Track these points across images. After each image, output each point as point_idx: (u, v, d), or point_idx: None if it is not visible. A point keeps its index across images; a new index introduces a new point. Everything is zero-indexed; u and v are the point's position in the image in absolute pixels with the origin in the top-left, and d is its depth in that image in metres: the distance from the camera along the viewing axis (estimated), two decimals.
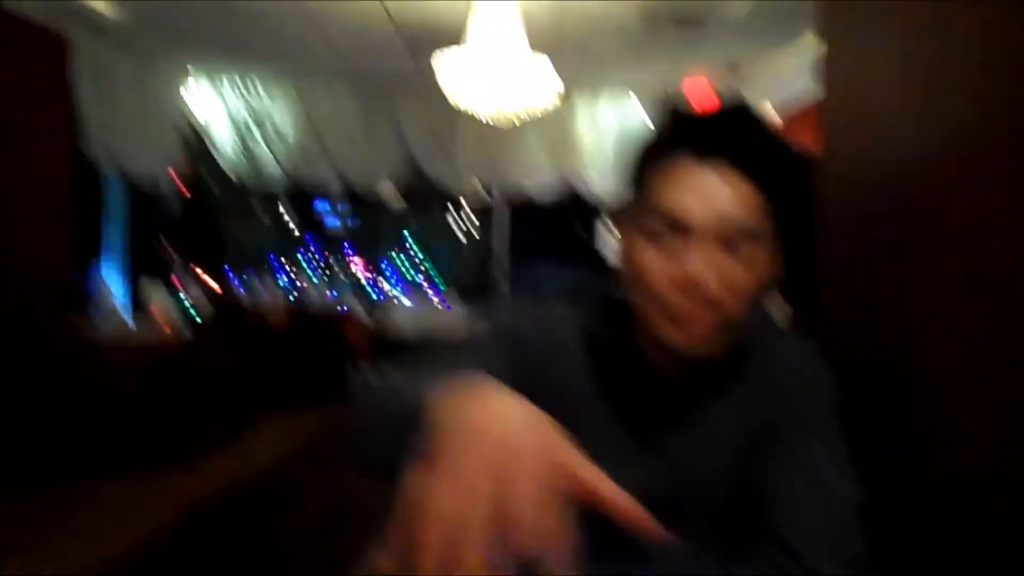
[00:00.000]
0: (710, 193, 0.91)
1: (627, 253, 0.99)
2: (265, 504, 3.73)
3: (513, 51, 4.24)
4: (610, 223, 1.08)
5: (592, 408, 1.05)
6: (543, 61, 4.32)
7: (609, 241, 5.14)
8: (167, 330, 4.35)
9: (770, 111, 7.36)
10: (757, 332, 1.04)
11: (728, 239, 0.91)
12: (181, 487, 3.80)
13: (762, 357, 1.04)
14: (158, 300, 4.70)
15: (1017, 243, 0.91)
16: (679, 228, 0.92)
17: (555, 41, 5.64)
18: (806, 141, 4.91)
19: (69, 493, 3.67)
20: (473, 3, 4.41)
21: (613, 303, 1.05)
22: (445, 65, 4.30)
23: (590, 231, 8.91)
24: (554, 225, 9.77)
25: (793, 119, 6.99)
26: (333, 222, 8.43)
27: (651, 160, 0.98)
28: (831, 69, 1.43)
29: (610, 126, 7.66)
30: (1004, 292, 0.92)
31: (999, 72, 0.94)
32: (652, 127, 1.03)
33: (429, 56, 6.38)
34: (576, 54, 4.56)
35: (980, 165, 0.99)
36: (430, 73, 6.95)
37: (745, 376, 1.03)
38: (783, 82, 6.78)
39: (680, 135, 0.96)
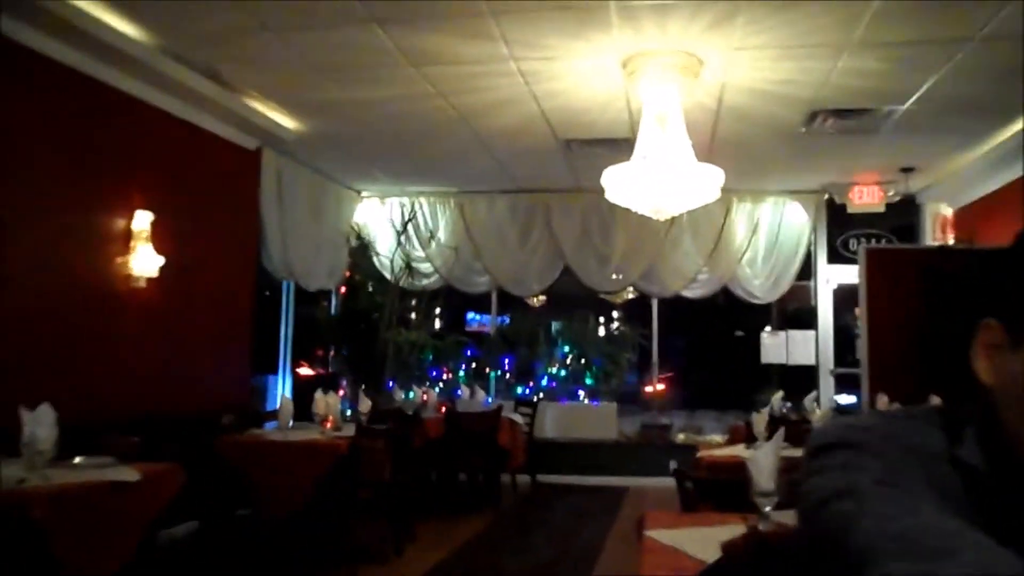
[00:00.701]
0: None
1: None
2: None
3: (680, 161, 4.24)
4: (982, 332, 0.84)
5: None
6: (711, 170, 4.29)
7: (768, 342, 4.96)
8: (337, 438, 4.47)
9: (946, 211, 6.99)
10: None
11: None
12: None
13: None
14: (325, 409, 4.86)
15: None
16: None
17: (716, 146, 5.65)
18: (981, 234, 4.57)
19: None
20: (641, 117, 4.46)
21: (985, 433, 0.83)
22: (613, 177, 4.35)
23: (746, 331, 8.70)
24: (708, 325, 9.61)
25: (968, 213, 6.64)
26: (486, 328, 8.61)
27: None
28: None
29: (768, 228, 7.52)
30: None
31: None
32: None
33: (586, 166, 6.64)
34: (736, 159, 4.55)
35: None
36: (585, 182, 7.27)
37: None
38: (961, 182, 6.48)
39: None
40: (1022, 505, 0.77)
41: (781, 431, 2.25)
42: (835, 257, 7.56)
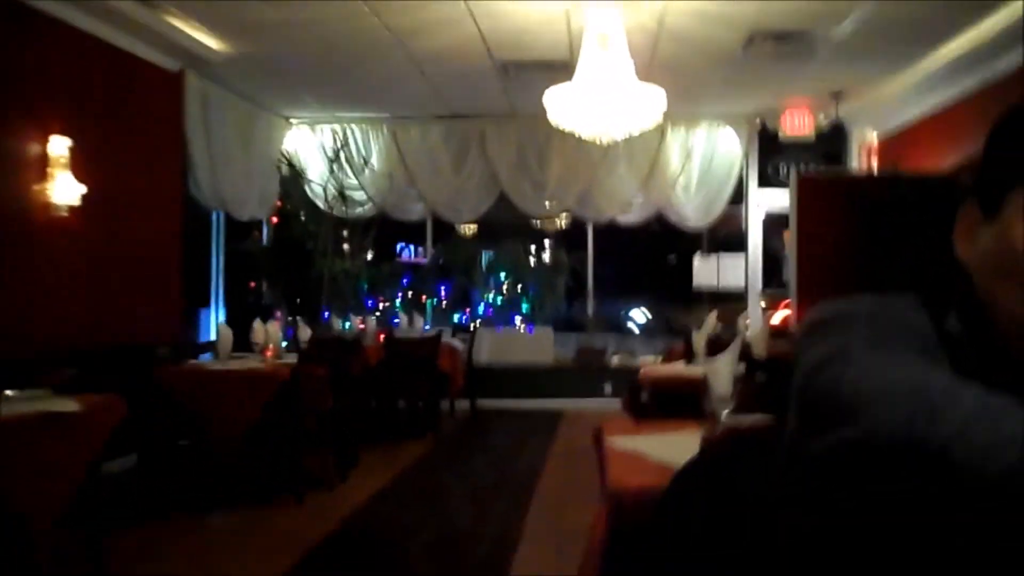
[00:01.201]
0: None
1: (1009, 248, 0.80)
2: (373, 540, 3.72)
3: (623, 82, 4.22)
4: (962, 215, 0.91)
5: None
6: (653, 91, 4.28)
7: (699, 266, 5.08)
8: (280, 366, 4.41)
9: (872, 137, 7.20)
10: None
11: None
12: (291, 525, 3.83)
13: None
14: (264, 338, 4.78)
15: None
16: None
17: (653, 70, 5.63)
18: (904, 161, 4.73)
19: (183, 528, 3.74)
20: (584, 36, 4.40)
21: (966, 309, 0.88)
22: (555, 98, 4.30)
23: (678, 256, 8.88)
24: (642, 251, 9.75)
25: (893, 140, 6.86)
26: (417, 259, 8.54)
27: None
28: None
29: (701, 154, 7.61)
30: None
31: None
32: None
33: (522, 90, 6.55)
34: (673, 83, 4.56)
35: None
36: (521, 107, 7.18)
37: None
38: (888, 109, 6.65)
39: None
40: (1003, 376, 0.78)
41: (738, 340, 2.32)
42: (765, 182, 7.72)
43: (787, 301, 6.43)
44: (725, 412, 2.07)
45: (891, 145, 6.92)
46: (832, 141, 7.47)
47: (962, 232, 0.88)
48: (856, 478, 0.70)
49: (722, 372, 2.05)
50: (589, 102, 4.29)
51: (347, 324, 6.91)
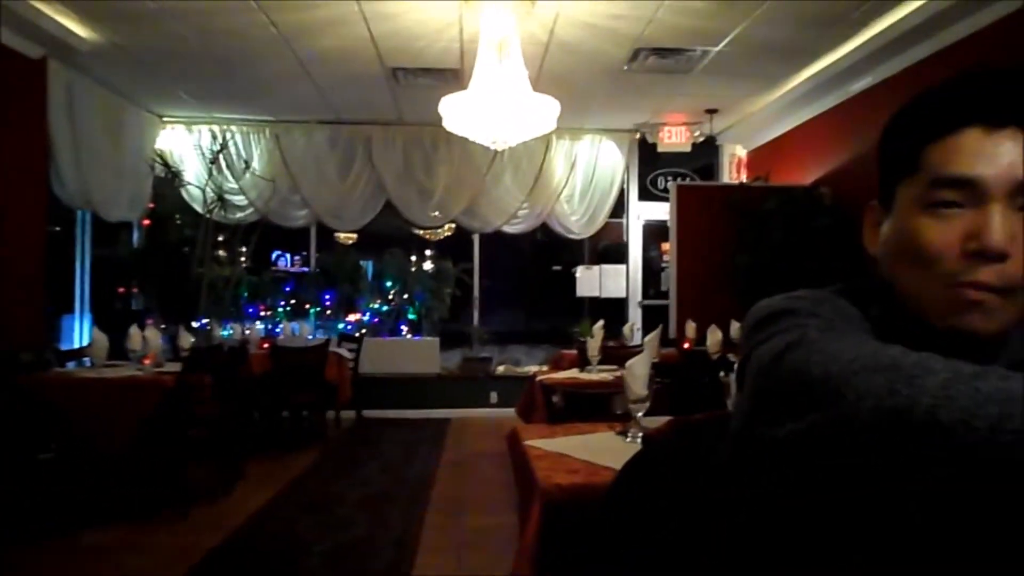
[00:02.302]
0: (1005, 155, 0.85)
1: (904, 235, 0.91)
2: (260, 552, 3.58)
3: (517, 91, 4.29)
4: (866, 214, 1.00)
5: None
6: (547, 100, 4.37)
7: (582, 276, 5.23)
8: (160, 374, 4.17)
9: (740, 151, 7.66)
10: None
11: (1021, 200, 0.85)
12: (175, 542, 3.63)
13: None
14: (143, 345, 4.51)
15: None
16: (971, 190, 0.86)
17: (542, 80, 5.74)
18: (772, 173, 5.03)
19: (52, 549, 3.47)
20: (473, 46, 4.44)
21: (882, 295, 0.96)
22: (450, 106, 4.31)
23: (563, 266, 9.04)
24: (527, 261, 9.88)
25: (761, 153, 7.31)
26: (298, 263, 8.31)
27: (930, 135, 0.90)
28: None
29: (585, 165, 7.81)
30: None
31: None
32: (925, 99, 0.95)
33: (410, 97, 6.52)
34: (560, 94, 4.68)
35: None
36: (409, 115, 7.14)
37: None
38: (757, 125, 7.10)
39: (968, 107, 0.89)
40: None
41: (654, 338, 2.40)
42: (644, 194, 8.02)
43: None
44: (640, 413, 2.14)
45: (759, 158, 7.38)
46: (705, 155, 7.87)
47: (868, 229, 0.99)
48: (837, 455, 0.75)
49: (638, 375, 2.11)
50: (484, 110, 4.32)
51: (227, 332, 6.62)
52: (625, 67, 5.65)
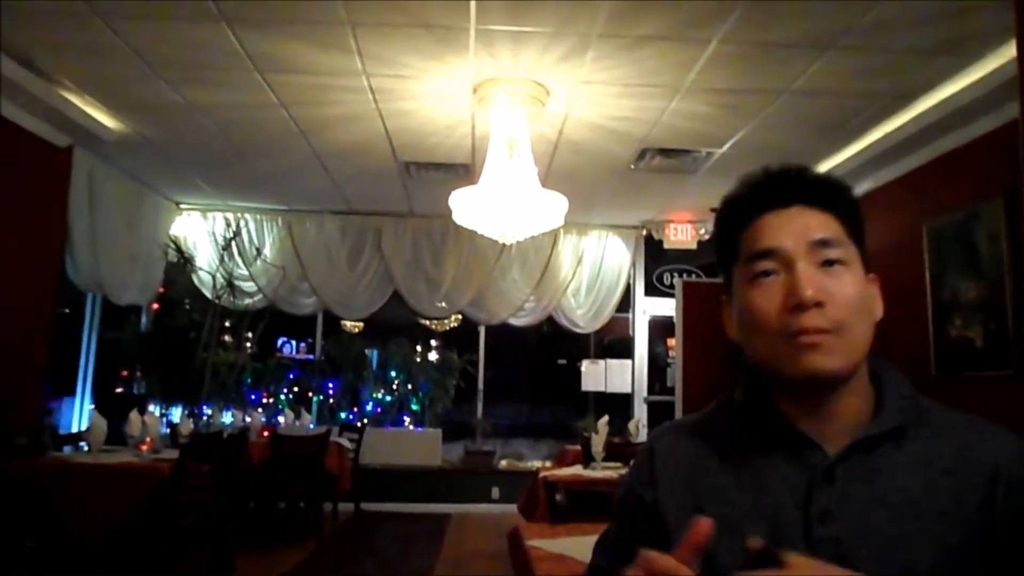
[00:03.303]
0: (797, 223, 1.03)
1: (742, 309, 1.04)
2: None
3: (526, 187, 4.38)
4: (721, 308, 1.14)
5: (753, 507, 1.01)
6: (555, 197, 4.46)
7: (587, 370, 5.22)
8: (157, 460, 4.11)
9: None
10: (909, 396, 1.05)
11: (822, 255, 1.00)
12: None
13: (932, 417, 1.04)
14: (141, 431, 4.47)
15: None
16: (778, 259, 1.01)
17: (551, 177, 5.88)
18: None
19: None
20: (485, 143, 4.56)
21: (747, 389, 1.09)
22: (460, 200, 4.41)
23: (568, 360, 9.01)
24: (533, 353, 9.85)
25: None
26: (304, 350, 8.32)
27: (741, 226, 1.06)
28: None
29: (591, 260, 7.90)
30: None
31: None
32: (731, 200, 1.11)
33: (421, 190, 6.67)
34: (569, 190, 4.78)
35: None
36: (419, 207, 7.29)
37: (918, 433, 1.01)
38: None
39: (760, 199, 1.06)
40: (777, 432, 1.02)
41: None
42: (651, 290, 8.06)
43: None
44: None
45: None
46: (711, 251, 7.91)
47: (724, 316, 1.13)
48: None
49: None
50: (494, 205, 4.41)
51: (229, 419, 6.57)
52: (632, 166, 5.79)
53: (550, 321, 7.99)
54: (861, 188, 5.55)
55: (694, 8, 3.47)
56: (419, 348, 8.50)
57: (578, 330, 7.93)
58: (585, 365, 8.26)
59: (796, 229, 1.02)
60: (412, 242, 7.68)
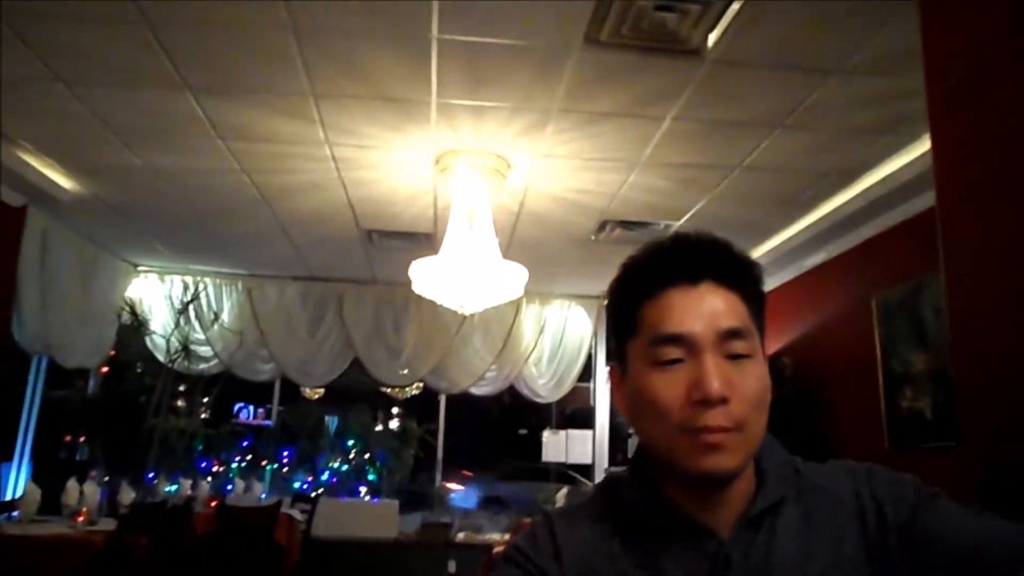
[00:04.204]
0: (705, 307, 0.97)
1: (639, 393, 0.99)
2: None
3: (487, 258, 4.40)
4: (610, 377, 1.10)
5: None
6: (515, 268, 4.49)
7: (548, 441, 5.19)
8: (91, 532, 3.94)
9: None
10: (781, 460, 1.06)
11: (730, 347, 0.96)
12: None
13: (804, 478, 1.05)
14: (78, 500, 4.30)
15: None
16: (685, 345, 0.96)
17: (513, 247, 5.92)
18: None
19: None
20: (447, 213, 4.59)
21: (635, 476, 1.05)
22: (420, 270, 4.42)
23: (529, 430, 8.93)
24: (493, 423, 9.76)
25: None
26: (262, 416, 8.15)
27: (643, 297, 1.01)
28: None
29: (553, 330, 7.91)
30: None
31: None
32: (633, 268, 1.06)
33: (384, 258, 6.66)
34: (530, 260, 4.82)
35: None
36: (381, 274, 7.27)
37: (801, 499, 1.03)
38: None
39: (667, 269, 1.01)
40: (665, 522, 1.00)
41: None
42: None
43: None
44: None
45: None
46: None
47: (615, 393, 1.08)
48: None
49: None
50: (454, 276, 4.43)
51: (174, 488, 6.36)
52: (592, 237, 5.86)
53: (511, 390, 7.93)
54: (814, 260, 5.69)
55: (648, 87, 3.58)
56: (379, 416, 8.37)
57: (539, 400, 7.88)
58: (546, 435, 8.18)
59: (706, 313, 0.97)
60: (374, 309, 7.63)
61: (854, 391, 5.03)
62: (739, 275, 1.03)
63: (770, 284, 6.31)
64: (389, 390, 8.24)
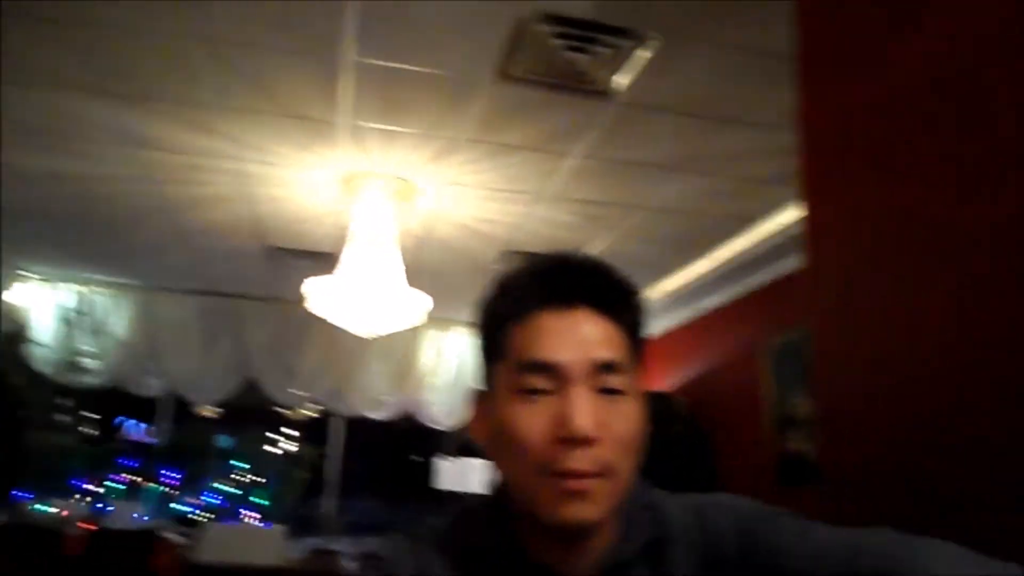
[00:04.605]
0: (579, 335, 0.88)
1: (500, 423, 0.89)
2: None
3: (390, 282, 4.39)
4: (471, 401, 1.00)
5: None
6: (419, 295, 4.50)
7: (443, 468, 5.20)
8: None
9: None
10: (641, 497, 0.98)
11: (603, 381, 0.87)
12: None
13: (670, 519, 0.97)
14: None
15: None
16: (553, 374, 0.86)
17: (417, 272, 5.91)
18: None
19: None
20: (354, 234, 4.57)
21: (491, 512, 0.97)
22: (317, 288, 4.37)
23: (425, 456, 8.84)
24: (389, 449, 9.62)
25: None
26: (149, 436, 7.80)
27: (513, 318, 0.92)
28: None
29: (453, 357, 7.90)
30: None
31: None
32: (504, 285, 0.98)
33: (286, 276, 6.52)
34: (433, 287, 4.84)
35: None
36: (282, 292, 7.10)
37: (663, 543, 0.95)
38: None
39: (541, 290, 0.93)
40: (514, 568, 0.91)
41: None
42: None
43: None
44: None
45: None
46: None
47: (474, 421, 0.99)
48: None
49: None
50: (354, 297, 4.39)
51: (46, 508, 6.00)
52: (495, 266, 5.92)
53: (409, 416, 7.86)
54: (710, 303, 5.91)
55: (557, 124, 3.70)
56: (275, 437, 8.15)
57: (438, 426, 7.85)
58: (441, 463, 8.13)
59: (579, 341, 0.88)
60: (273, 328, 7.45)
61: (746, 432, 5.23)
62: (620, 303, 0.94)
63: (669, 324, 6.57)
64: (284, 411, 8.04)
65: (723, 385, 5.69)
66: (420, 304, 4.55)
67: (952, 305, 1.22)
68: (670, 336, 6.68)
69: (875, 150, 1.49)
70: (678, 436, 5.64)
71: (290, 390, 7.48)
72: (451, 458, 8.20)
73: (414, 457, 9.28)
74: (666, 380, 6.56)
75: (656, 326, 6.85)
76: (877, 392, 1.39)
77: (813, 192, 1.71)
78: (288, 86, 3.48)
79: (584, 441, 0.84)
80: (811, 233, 1.68)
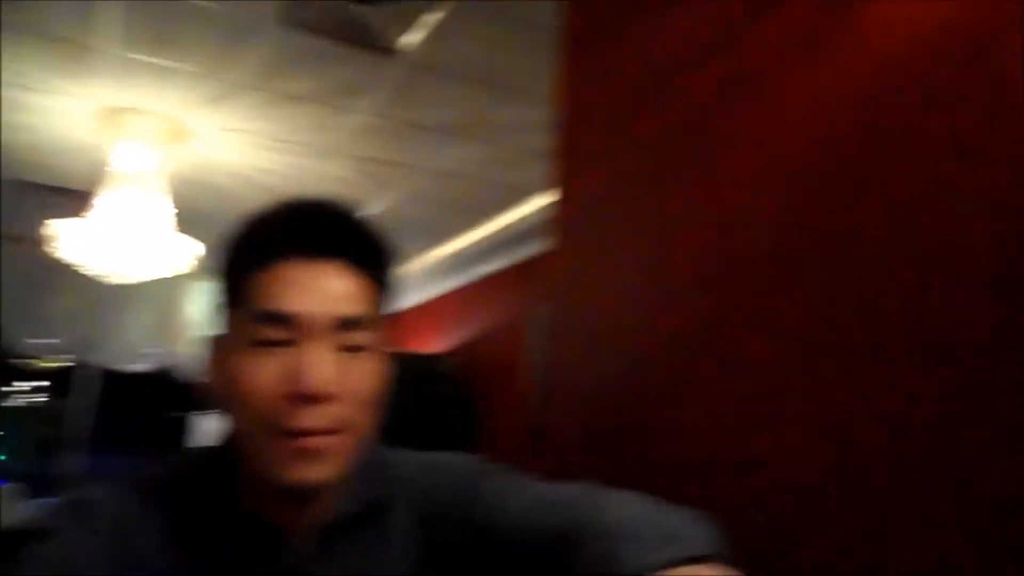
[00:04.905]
0: (324, 288, 0.84)
1: (231, 375, 0.84)
2: None
3: (155, 226, 4.14)
4: (209, 351, 0.94)
5: None
6: (189, 241, 4.27)
7: (200, 425, 5.08)
8: None
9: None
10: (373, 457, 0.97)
11: (346, 337, 0.84)
12: None
13: (389, 470, 0.97)
14: None
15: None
16: (292, 326, 0.82)
17: (192, 221, 5.59)
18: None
19: None
20: (116, 173, 4.24)
21: (214, 464, 0.92)
22: (70, 229, 4.02)
23: (182, 410, 8.40)
24: (148, 404, 9.03)
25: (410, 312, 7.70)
26: None
27: (254, 265, 0.87)
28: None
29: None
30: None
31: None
32: (249, 228, 0.91)
33: (35, 214, 5.87)
34: (206, 236, 4.61)
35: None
36: (31, 231, 6.37)
37: (387, 502, 0.95)
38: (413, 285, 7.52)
39: (289, 237, 0.87)
40: (229, 521, 0.88)
41: None
42: None
43: None
44: None
45: (400, 328, 7.72)
46: None
47: (210, 370, 0.93)
48: None
49: None
50: (108, 240, 4.09)
51: None
52: None
53: (170, 369, 7.45)
54: (485, 269, 6.12)
55: (343, 78, 3.65)
56: (11, 390, 7.37)
57: (197, 380, 7.50)
58: (198, 419, 7.78)
59: (323, 295, 0.84)
60: (12, 269, 6.71)
61: (510, 396, 5.50)
62: (370, 256, 0.91)
63: (445, 287, 6.69)
64: (30, 361, 7.30)
65: (491, 350, 5.93)
66: (186, 250, 4.32)
67: (656, 292, 1.37)
68: (445, 299, 6.85)
69: (614, 137, 1.59)
70: (443, 396, 5.82)
71: (32, 339, 6.81)
72: (204, 413, 7.85)
73: (172, 413, 8.80)
74: (439, 342, 6.72)
75: (432, 289, 6.98)
76: (592, 365, 1.54)
77: (563, 172, 1.79)
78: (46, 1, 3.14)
79: (316, 399, 0.80)
80: (558, 212, 1.78)
